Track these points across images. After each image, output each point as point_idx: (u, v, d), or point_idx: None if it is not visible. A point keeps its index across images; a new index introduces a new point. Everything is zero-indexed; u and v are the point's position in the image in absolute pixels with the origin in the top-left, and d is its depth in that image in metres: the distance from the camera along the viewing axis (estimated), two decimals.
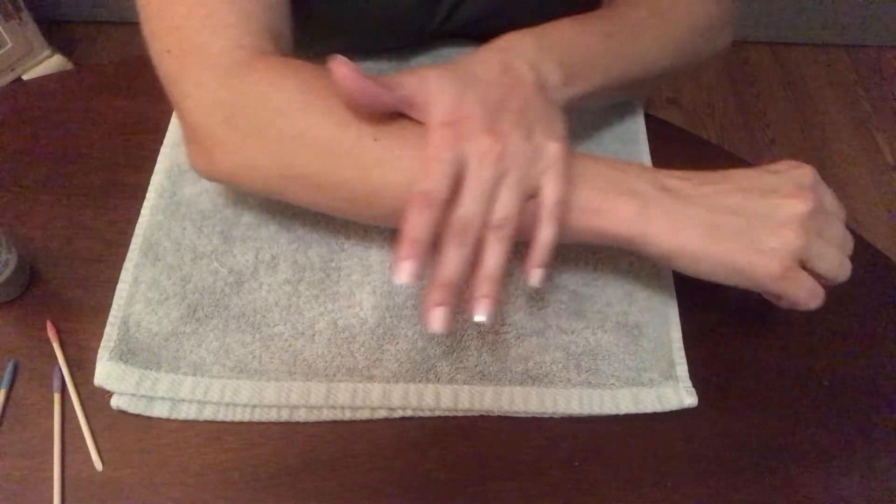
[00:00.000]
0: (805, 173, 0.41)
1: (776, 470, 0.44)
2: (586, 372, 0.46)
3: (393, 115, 0.40)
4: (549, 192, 0.38)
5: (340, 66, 0.36)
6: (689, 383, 0.46)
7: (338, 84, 0.37)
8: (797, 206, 0.39)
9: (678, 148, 0.58)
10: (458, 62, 0.41)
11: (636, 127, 0.58)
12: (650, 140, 0.57)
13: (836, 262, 0.40)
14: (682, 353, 0.47)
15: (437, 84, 0.38)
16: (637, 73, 0.48)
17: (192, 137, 0.42)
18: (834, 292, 0.52)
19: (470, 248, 0.37)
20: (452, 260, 0.37)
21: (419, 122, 0.40)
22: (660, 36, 0.49)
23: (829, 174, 1.51)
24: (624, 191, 0.40)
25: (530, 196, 0.38)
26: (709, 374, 0.47)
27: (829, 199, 0.42)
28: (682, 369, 0.47)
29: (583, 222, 0.40)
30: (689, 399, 0.45)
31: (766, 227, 0.39)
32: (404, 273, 0.37)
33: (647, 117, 0.59)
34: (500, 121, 0.38)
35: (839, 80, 1.69)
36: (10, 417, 0.44)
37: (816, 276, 0.40)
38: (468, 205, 0.37)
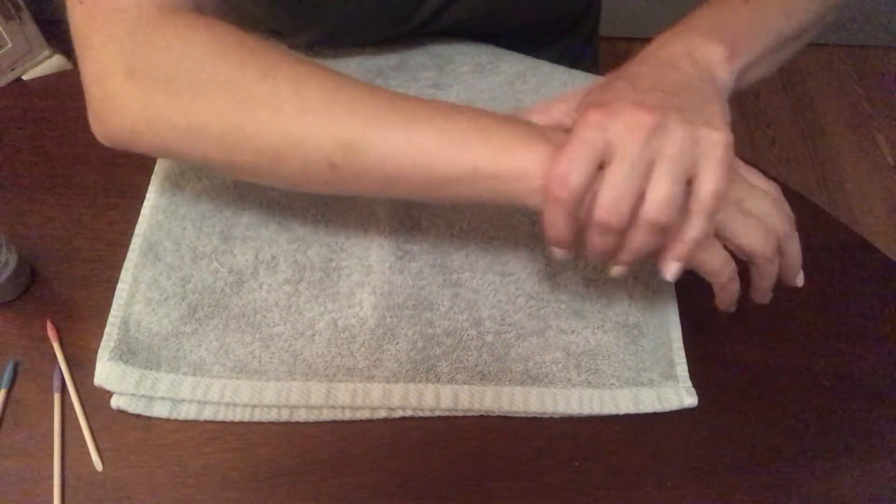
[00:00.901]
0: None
1: (776, 470, 0.44)
2: (586, 372, 0.46)
3: (315, 69, 0.38)
4: (706, 182, 0.35)
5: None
6: (689, 383, 0.46)
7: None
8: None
9: None
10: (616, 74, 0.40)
11: None
12: None
13: (758, 235, 0.38)
14: (682, 352, 0.47)
15: (586, 84, 0.38)
16: (789, 28, 0.45)
17: (93, 94, 0.40)
18: (834, 292, 0.52)
19: (614, 237, 0.35)
20: (597, 247, 0.36)
21: (345, 77, 0.38)
22: (787, 3, 0.45)
23: (829, 174, 1.51)
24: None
25: (687, 184, 0.35)
26: (709, 374, 0.47)
27: (752, 175, 0.41)
28: (682, 369, 0.47)
29: None
30: (689, 399, 0.45)
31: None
32: (558, 254, 0.37)
33: None
34: (651, 98, 0.35)
35: (839, 80, 1.69)
36: (10, 417, 0.44)
37: (744, 253, 0.39)
38: (615, 184, 0.34)
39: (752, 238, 0.38)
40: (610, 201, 0.34)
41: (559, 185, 0.34)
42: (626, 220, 0.35)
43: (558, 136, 0.37)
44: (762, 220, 0.38)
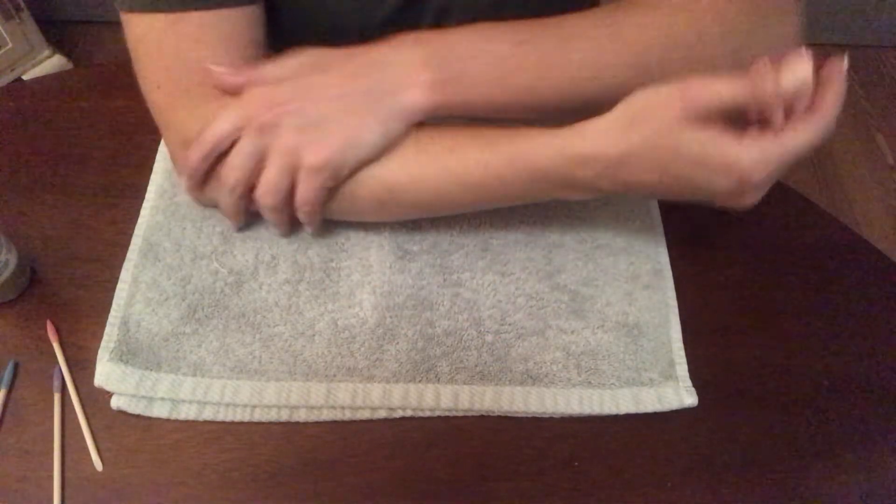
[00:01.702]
0: (748, 182, 0.37)
1: (776, 469, 0.44)
2: (586, 372, 0.46)
3: None
4: (298, 191, 0.44)
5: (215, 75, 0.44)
6: (689, 383, 0.46)
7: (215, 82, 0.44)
8: (733, 203, 0.39)
9: None
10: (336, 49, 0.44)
11: None
12: None
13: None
14: (682, 352, 0.47)
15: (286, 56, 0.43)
16: (555, 91, 0.43)
17: (177, 163, 0.48)
18: (834, 292, 0.52)
19: (231, 190, 0.45)
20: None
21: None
22: (601, 53, 0.43)
23: (829, 174, 1.51)
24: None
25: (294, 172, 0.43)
26: (709, 374, 0.47)
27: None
28: (681, 369, 0.47)
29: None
30: (689, 399, 0.45)
31: (709, 198, 0.39)
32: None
33: None
34: (297, 98, 0.42)
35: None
36: (10, 417, 0.44)
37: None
38: (228, 163, 0.43)
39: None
40: (224, 172, 0.44)
41: (199, 142, 0.44)
42: (236, 186, 0.44)
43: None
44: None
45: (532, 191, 0.43)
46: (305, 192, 0.44)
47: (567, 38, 0.43)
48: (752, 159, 0.36)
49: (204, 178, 0.45)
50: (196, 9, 0.44)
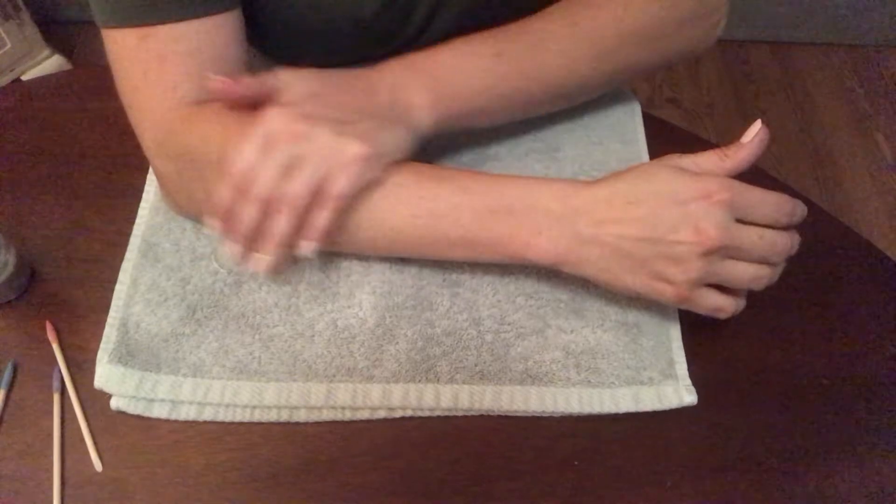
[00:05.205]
0: (713, 213, 0.39)
1: (776, 469, 0.44)
2: (586, 371, 0.46)
3: None
4: (335, 185, 0.41)
5: (212, 84, 0.41)
6: (688, 381, 0.46)
7: (213, 93, 0.43)
8: (693, 249, 0.40)
9: (678, 148, 0.58)
10: (330, 72, 0.44)
11: (635, 126, 0.58)
12: (649, 139, 0.57)
13: (748, 277, 0.41)
14: (682, 351, 0.47)
15: (286, 77, 0.42)
16: (541, 88, 0.49)
17: (159, 180, 0.49)
18: (834, 292, 0.52)
19: (257, 209, 0.40)
20: (243, 215, 0.41)
21: None
22: (570, 48, 0.48)
23: (829, 174, 1.51)
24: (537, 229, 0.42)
25: (321, 184, 0.41)
26: (709, 374, 0.47)
27: (746, 234, 0.41)
28: (681, 367, 0.47)
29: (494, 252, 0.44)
30: (688, 397, 0.45)
31: (665, 259, 0.40)
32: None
33: (647, 117, 0.59)
34: (319, 113, 0.41)
35: (839, 80, 1.69)
36: (10, 417, 0.44)
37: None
38: (260, 173, 0.40)
39: (742, 280, 0.42)
40: (256, 181, 0.40)
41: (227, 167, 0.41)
42: (264, 196, 0.40)
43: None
44: (758, 261, 0.42)
45: (489, 234, 0.44)
46: (344, 182, 0.41)
47: (537, 42, 0.48)
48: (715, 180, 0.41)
49: (242, 217, 0.41)
50: (162, 21, 0.43)
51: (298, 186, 0.40)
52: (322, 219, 0.41)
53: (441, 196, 0.43)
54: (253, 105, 0.42)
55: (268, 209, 0.40)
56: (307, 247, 0.42)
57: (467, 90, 0.47)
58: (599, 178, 0.43)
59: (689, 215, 0.39)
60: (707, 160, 0.42)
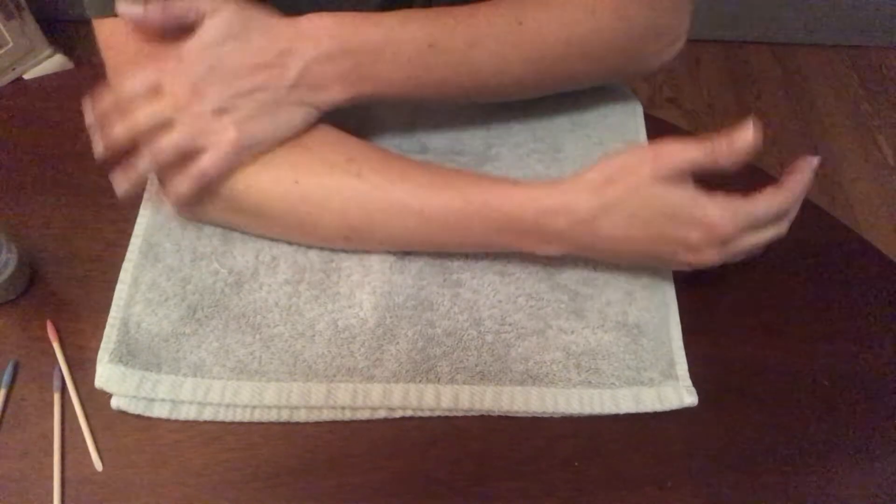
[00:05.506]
0: (716, 234, 0.42)
1: (776, 469, 0.44)
2: (586, 371, 0.46)
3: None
4: (203, 160, 0.42)
5: (125, 12, 0.41)
6: (689, 382, 0.46)
7: (131, 21, 0.42)
8: (697, 259, 0.43)
9: None
10: (258, 11, 0.43)
11: (636, 127, 0.58)
12: (649, 140, 0.57)
13: (769, 236, 0.44)
14: (682, 351, 0.47)
15: (214, 5, 0.42)
16: (472, 84, 0.47)
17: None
18: (834, 293, 0.52)
19: (124, 135, 0.42)
20: (98, 146, 0.44)
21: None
22: (508, 51, 0.46)
23: (829, 174, 1.51)
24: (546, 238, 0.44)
25: (188, 152, 0.42)
26: (709, 374, 0.47)
27: (746, 240, 0.43)
28: (682, 368, 0.47)
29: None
30: (689, 398, 0.45)
31: (682, 250, 0.43)
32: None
33: (647, 117, 0.59)
34: (210, 84, 0.42)
35: (839, 80, 1.69)
36: (10, 417, 0.44)
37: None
38: (129, 121, 0.42)
39: (751, 252, 0.44)
40: (119, 130, 0.42)
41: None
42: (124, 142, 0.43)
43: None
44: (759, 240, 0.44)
45: (500, 240, 0.45)
46: (208, 162, 0.42)
47: (474, 41, 0.45)
48: (721, 213, 0.41)
49: (112, 131, 0.43)
50: None
51: (164, 143, 0.42)
52: (182, 185, 0.43)
53: (451, 210, 0.44)
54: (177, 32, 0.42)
55: (134, 143, 0.42)
56: (166, 202, 0.44)
57: (388, 79, 0.45)
58: (599, 182, 0.42)
59: (694, 225, 0.42)
60: (700, 158, 0.41)
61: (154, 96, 0.42)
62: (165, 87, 0.42)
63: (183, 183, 0.43)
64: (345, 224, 0.45)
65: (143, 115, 0.42)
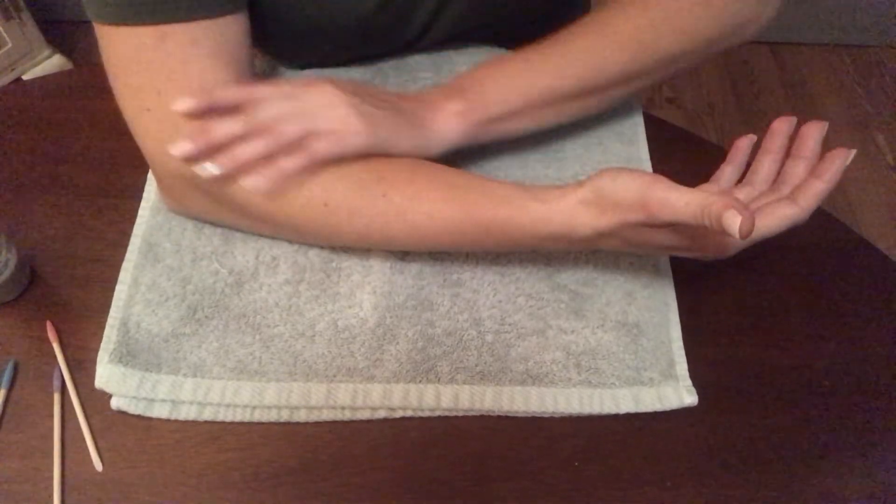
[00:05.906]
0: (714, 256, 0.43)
1: (776, 469, 0.44)
2: (586, 371, 0.46)
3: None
4: (318, 143, 0.43)
5: (183, 105, 0.41)
6: (689, 382, 0.46)
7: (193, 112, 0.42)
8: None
9: (678, 148, 0.58)
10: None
11: (636, 127, 0.58)
12: (649, 140, 0.57)
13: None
14: (682, 351, 0.47)
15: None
16: (572, 84, 0.49)
17: (162, 186, 0.48)
18: (834, 292, 0.52)
19: (241, 128, 0.42)
20: (224, 125, 0.42)
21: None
22: (598, 44, 0.48)
23: None
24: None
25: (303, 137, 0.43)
26: (709, 374, 0.47)
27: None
28: (681, 368, 0.47)
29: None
30: (689, 398, 0.45)
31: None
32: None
33: (647, 117, 0.59)
34: (356, 94, 0.44)
35: (839, 80, 1.69)
36: (10, 417, 0.44)
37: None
38: (271, 105, 0.43)
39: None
40: (261, 111, 0.43)
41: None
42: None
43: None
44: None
45: (508, 249, 0.49)
46: (325, 145, 0.43)
47: (564, 42, 0.49)
48: (717, 251, 0.42)
49: (221, 126, 0.42)
50: (182, 20, 0.42)
51: (293, 126, 0.42)
52: (291, 163, 0.42)
53: (465, 232, 0.44)
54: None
55: (250, 133, 0.42)
56: (258, 180, 0.43)
57: (498, 94, 0.48)
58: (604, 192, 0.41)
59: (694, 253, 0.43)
60: (689, 221, 0.37)
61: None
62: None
63: (291, 161, 0.42)
64: (365, 237, 0.45)
65: (275, 106, 0.43)
